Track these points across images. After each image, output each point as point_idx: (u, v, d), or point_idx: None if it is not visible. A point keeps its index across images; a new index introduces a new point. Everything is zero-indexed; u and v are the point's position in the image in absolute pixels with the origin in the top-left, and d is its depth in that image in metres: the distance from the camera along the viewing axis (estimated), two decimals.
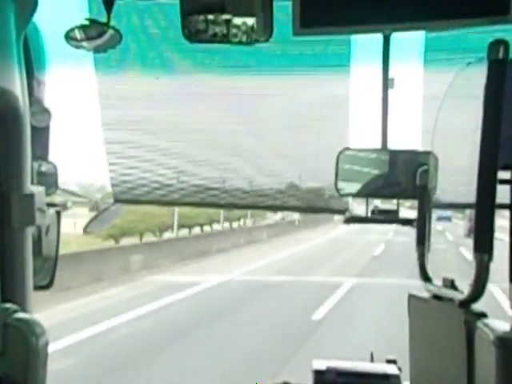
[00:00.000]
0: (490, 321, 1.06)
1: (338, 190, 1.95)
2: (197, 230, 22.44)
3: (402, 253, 16.42)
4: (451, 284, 1.23)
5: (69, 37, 1.52)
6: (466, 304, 1.12)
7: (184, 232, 21.17)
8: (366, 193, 1.96)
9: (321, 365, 1.84)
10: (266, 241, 23.94)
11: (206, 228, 23.40)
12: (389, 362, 1.95)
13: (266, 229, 27.17)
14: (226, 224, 25.72)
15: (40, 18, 1.56)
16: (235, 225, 26.64)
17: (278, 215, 32.52)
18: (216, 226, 24.50)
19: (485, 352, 1.01)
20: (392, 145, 2.00)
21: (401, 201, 2.00)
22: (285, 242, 23.63)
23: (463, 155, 1.54)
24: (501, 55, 1.05)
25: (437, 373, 1.30)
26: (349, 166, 1.98)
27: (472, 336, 1.07)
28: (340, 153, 1.94)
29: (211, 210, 20.82)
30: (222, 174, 2.49)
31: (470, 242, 1.04)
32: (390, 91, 1.96)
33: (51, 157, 1.81)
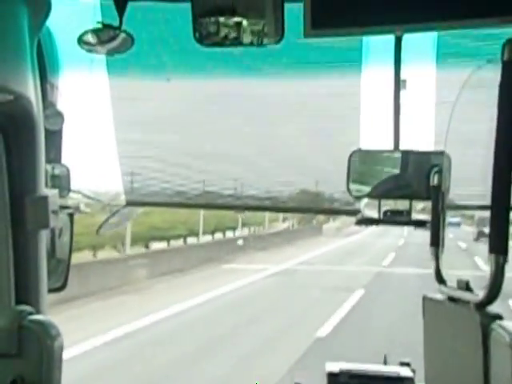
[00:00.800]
0: (505, 323, 1.05)
1: (349, 191, 1.94)
2: (172, 242, 17.84)
3: (400, 316, 7.96)
4: (466, 286, 1.22)
5: (82, 41, 1.53)
6: (481, 306, 1.11)
7: (160, 246, 16.65)
8: (378, 194, 1.95)
9: (334, 367, 1.84)
10: (141, 287, 11.57)
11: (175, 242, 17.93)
12: (402, 364, 1.94)
13: (191, 251, 16.38)
14: (218, 235, 21.17)
15: (53, 22, 1.57)
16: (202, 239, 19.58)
17: (286, 223, 29.40)
18: (191, 240, 18.93)
19: (501, 354, 1.00)
20: (404, 146, 1.99)
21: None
22: (189, 283, 12.39)
23: (477, 156, 1.53)
24: None
25: (452, 375, 1.29)
26: (361, 167, 1.97)
27: (488, 338, 1.06)
28: (352, 154, 1.93)
29: (191, 220, 17.79)
30: (232, 177, 2.49)
31: None
32: (402, 92, 1.95)
33: (67, 161, 1.83)
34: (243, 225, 23.96)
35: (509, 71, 1.03)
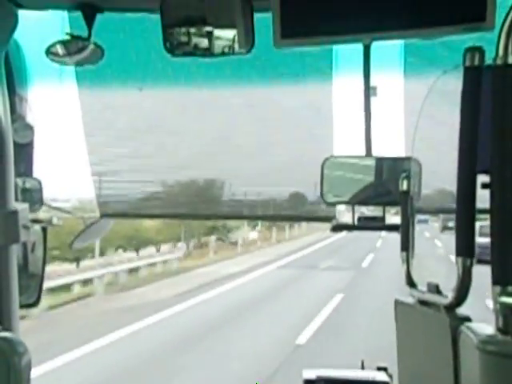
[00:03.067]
0: (474, 324, 1.06)
1: (323, 197, 1.96)
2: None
3: None
4: (436, 289, 1.24)
5: (50, 52, 1.52)
6: (450, 308, 1.12)
7: None
8: (351, 200, 1.97)
9: (311, 374, 1.84)
10: None
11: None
12: (379, 369, 1.95)
13: None
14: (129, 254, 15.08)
15: (21, 34, 1.56)
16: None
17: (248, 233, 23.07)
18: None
19: (469, 356, 1.01)
20: (377, 152, 2.01)
21: (387, 208, 2.01)
22: None
23: (444, 161, 1.56)
24: (476, 62, 1.06)
25: (424, 378, 1.30)
26: (334, 174, 1.99)
27: (457, 340, 1.07)
28: (325, 161, 1.95)
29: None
30: (206, 185, 2.49)
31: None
32: (372, 99, 1.98)
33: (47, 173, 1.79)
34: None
35: (470, 77, 1.06)
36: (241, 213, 2.50)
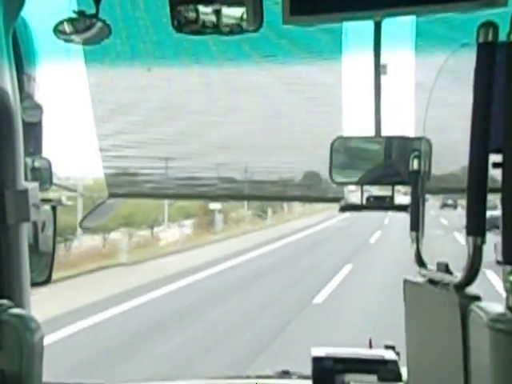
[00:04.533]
0: (484, 303, 1.06)
1: (332, 178, 1.95)
2: None
3: None
4: (445, 268, 1.24)
5: (57, 30, 1.51)
6: (460, 287, 1.12)
7: None
8: (360, 180, 1.96)
9: (319, 352, 1.86)
10: None
11: None
12: (387, 347, 1.96)
13: None
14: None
15: (28, 12, 1.55)
16: None
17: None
18: None
19: (479, 334, 1.01)
20: (386, 132, 2.00)
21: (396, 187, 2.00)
22: None
23: (456, 140, 1.54)
24: (490, 38, 1.04)
25: (433, 357, 1.31)
26: (343, 154, 1.98)
27: (466, 319, 1.08)
28: (334, 141, 1.94)
29: None
30: (216, 166, 2.49)
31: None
32: (382, 78, 1.96)
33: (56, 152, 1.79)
34: None
35: (483, 53, 1.04)
36: (252, 193, 2.49)
